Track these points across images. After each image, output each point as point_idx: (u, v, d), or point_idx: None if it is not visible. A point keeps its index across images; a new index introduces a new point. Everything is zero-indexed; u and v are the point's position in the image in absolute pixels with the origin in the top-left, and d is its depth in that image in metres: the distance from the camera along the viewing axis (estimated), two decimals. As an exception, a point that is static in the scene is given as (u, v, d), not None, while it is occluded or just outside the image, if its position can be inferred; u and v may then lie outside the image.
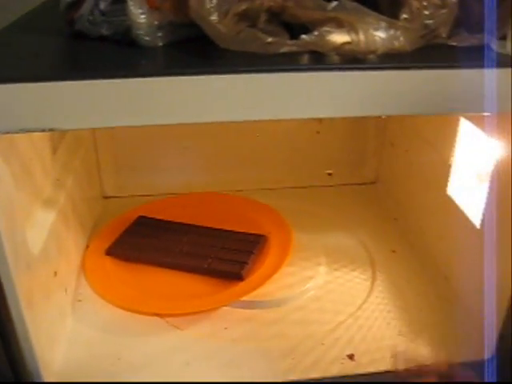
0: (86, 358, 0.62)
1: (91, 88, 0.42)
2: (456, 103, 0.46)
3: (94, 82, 0.41)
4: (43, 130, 0.43)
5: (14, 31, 0.56)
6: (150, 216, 0.84)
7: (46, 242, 0.60)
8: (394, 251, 0.81)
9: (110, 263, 0.76)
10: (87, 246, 0.80)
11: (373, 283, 0.75)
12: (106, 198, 0.93)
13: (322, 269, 0.77)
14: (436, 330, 0.67)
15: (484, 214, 0.63)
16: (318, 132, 0.95)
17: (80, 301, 0.71)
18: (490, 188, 0.61)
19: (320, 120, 0.94)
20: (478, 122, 0.64)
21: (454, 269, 0.72)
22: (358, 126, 0.96)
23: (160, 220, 0.83)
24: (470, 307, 0.67)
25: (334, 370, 0.61)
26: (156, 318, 0.68)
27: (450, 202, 0.71)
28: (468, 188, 0.67)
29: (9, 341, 0.52)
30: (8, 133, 0.42)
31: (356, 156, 0.98)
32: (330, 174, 0.99)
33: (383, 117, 0.92)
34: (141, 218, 0.84)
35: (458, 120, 0.68)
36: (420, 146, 0.81)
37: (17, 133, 0.42)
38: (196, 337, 0.66)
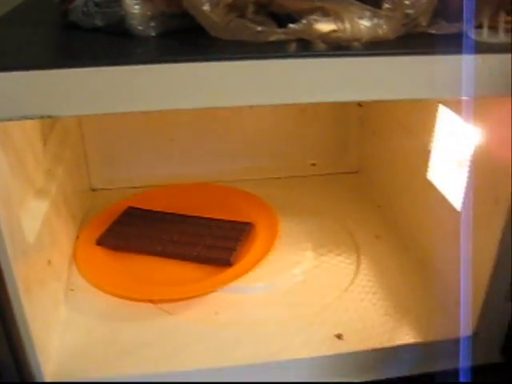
0: (81, 344, 0.64)
1: (88, 75, 0.43)
2: (436, 88, 0.48)
3: (91, 69, 0.43)
4: (42, 117, 0.44)
5: (8, 23, 0.57)
6: (139, 206, 0.86)
7: (40, 231, 0.62)
8: (377, 237, 0.83)
9: (100, 253, 0.78)
10: (77, 237, 0.81)
11: (358, 267, 0.77)
12: (94, 190, 0.95)
13: (309, 254, 0.79)
14: (420, 310, 0.69)
15: (464, 197, 0.65)
16: (301, 123, 0.97)
17: (72, 290, 0.73)
18: (469, 172, 0.64)
19: (303, 111, 0.96)
20: (456, 108, 0.66)
21: (436, 251, 0.74)
22: (340, 116, 0.98)
23: (149, 210, 0.85)
24: (452, 287, 0.69)
25: (324, 350, 0.63)
26: (148, 304, 0.70)
27: (430, 187, 0.74)
28: (448, 172, 0.70)
29: (9, 326, 0.54)
30: (9, 120, 0.43)
31: (339, 146, 1.01)
32: (313, 165, 1.01)
33: (362, 105, 0.95)
34: (130, 208, 0.85)
35: (436, 107, 0.71)
36: (400, 133, 0.84)
37: (17, 120, 0.44)
38: (187, 321, 0.67)
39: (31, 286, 0.56)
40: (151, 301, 0.70)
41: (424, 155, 0.75)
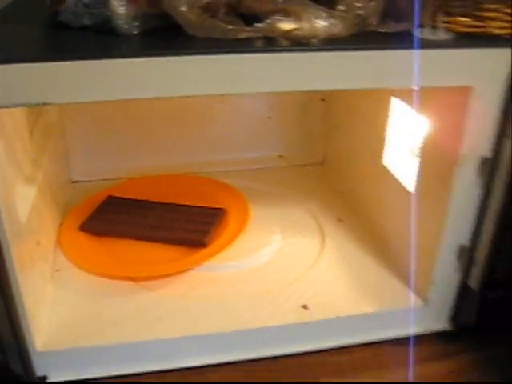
0: (68, 317, 0.70)
1: (80, 67, 0.50)
2: (383, 78, 0.56)
3: (83, 62, 0.49)
4: (38, 105, 0.50)
5: (1, 20, 0.63)
6: (118, 195, 0.92)
7: (30, 214, 0.67)
8: (340, 220, 0.90)
9: (83, 237, 0.83)
10: (61, 224, 0.86)
11: (322, 247, 0.84)
12: (75, 182, 1.00)
13: (276, 236, 0.86)
14: (379, 283, 0.77)
15: (415, 180, 0.73)
16: (269, 117, 1.04)
17: (58, 270, 0.78)
18: (419, 157, 0.71)
19: (271, 107, 1.03)
20: (407, 99, 0.74)
21: (392, 229, 0.82)
22: (305, 111, 1.05)
23: (128, 199, 0.91)
24: (406, 261, 0.77)
25: (290, 319, 0.70)
26: (129, 282, 0.76)
27: (386, 172, 0.82)
28: (401, 158, 0.78)
29: (7, 299, 0.59)
30: (9, 107, 0.49)
31: (305, 139, 1.08)
32: (281, 156, 1.08)
33: (325, 100, 1.02)
34: (110, 197, 0.91)
35: (389, 99, 0.78)
36: (359, 125, 0.91)
37: (14, 107, 0.50)
38: (166, 296, 0.74)
39: (24, 264, 0.62)
40: (132, 279, 0.76)
41: (380, 144, 0.83)
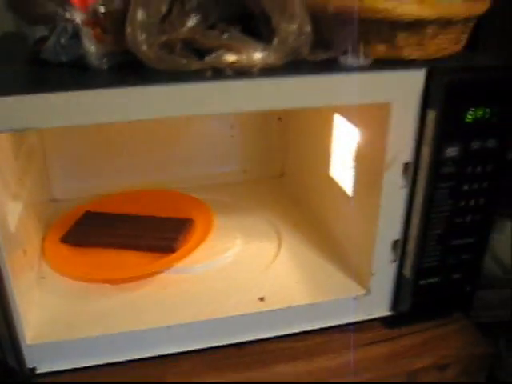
0: (53, 316, 0.78)
1: (58, 97, 0.60)
2: (313, 99, 0.67)
3: (61, 93, 0.60)
4: (24, 129, 0.61)
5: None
6: (96, 210, 1.01)
7: (17, 227, 0.77)
8: (295, 225, 1.01)
9: (64, 248, 0.92)
10: (43, 238, 0.96)
11: (279, 249, 0.94)
12: (55, 200, 1.10)
13: (238, 241, 0.96)
14: (327, 276, 0.87)
15: (353, 186, 0.84)
16: (231, 136, 1.15)
17: (43, 278, 0.87)
18: (355, 165, 0.83)
19: (232, 126, 1.14)
20: (345, 114, 0.85)
21: (338, 229, 0.93)
22: (264, 129, 1.16)
23: (104, 213, 1.01)
24: (350, 256, 0.88)
25: (249, 310, 0.80)
26: (106, 284, 0.85)
27: (332, 181, 0.93)
28: (343, 168, 0.89)
29: (3, 301, 0.69)
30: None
31: (265, 155, 1.19)
32: (244, 171, 1.19)
33: (281, 119, 1.13)
34: (87, 212, 1.01)
35: (332, 115, 0.90)
36: (310, 140, 1.03)
37: (2, 132, 0.60)
38: (140, 295, 0.83)
39: (15, 269, 0.71)
40: (108, 282, 0.85)
41: (326, 156, 0.94)
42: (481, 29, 0.80)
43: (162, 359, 0.78)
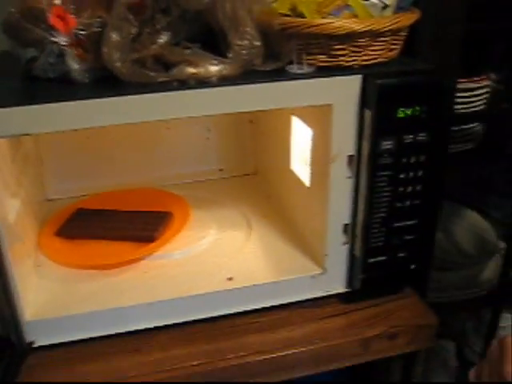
0: (49, 297, 0.90)
1: (48, 108, 0.72)
2: (264, 103, 0.79)
3: (50, 104, 0.72)
4: (21, 135, 0.73)
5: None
6: (86, 207, 1.13)
7: (16, 220, 0.88)
8: (265, 216, 1.13)
9: (58, 240, 1.04)
10: (39, 232, 1.07)
11: (248, 237, 1.06)
12: (50, 200, 1.21)
13: (212, 231, 1.08)
14: (289, 258, 0.99)
15: (309, 177, 0.96)
16: (207, 138, 1.27)
17: (39, 266, 0.99)
18: (311, 159, 0.95)
19: (208, 129, 1.26)
20: (300, 116, 0.97)
21: (299, 216, 1.05)
22: (237, 131, 1.28)
23: (93, 209, 1.12)
24: (309, 239, 1.00)
25: (219, 287, 0.92)
26: (95, 270, 0.97)
27: (293, 175, 1.05)
28: (301, 162, 1.01)
29: (6, 283, 0.80)
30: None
31: (239, 154, 1.30)
32: (221, 170, 1.31)
33: (253, 122, 1.25)
34: (78, 209, 1.13)
35: (290, 118, 1.02)
36: (275, 140, 1.15)
37: (3, 138, 0.72)
38: (125, 278, 0.95)
39: (15, 256, 0.82)
40: (96, 267, 0.97)
41: (288, 153, 1.06)
42: (416, 36, 0.93)
43: (143, 332, 0.90)
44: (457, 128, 1.20)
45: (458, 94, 1.13)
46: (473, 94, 1.22)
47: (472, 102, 1.22)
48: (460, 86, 1.13)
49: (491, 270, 1.42)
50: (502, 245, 1.41)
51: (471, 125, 1.26)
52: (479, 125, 1.28)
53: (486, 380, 0.70)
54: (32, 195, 1.06)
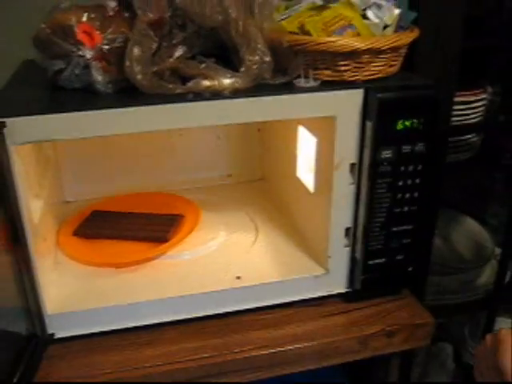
0: (69, 293, 0.96)
1: (73, 116, 0.78)
2: (275, 114, 0.86)
3: (76, 113, 0.78)
4: (46, 141, 0.79)
5: (13, 87, 0.92)
6: (102, 209, 1.20)
7: (39, 219, 0.95)
8: (271, 220, 1.19)
9: (76, 239, 1.10)
10: (58, 231, 1.14)
11: (256, 239, 1.12)
12: (67, 202, 1.28)
13: (221, 233, 1.14)
14: (296, 260, 1.05)
15: (313, 184, 1.02)
16: (217, 145, 1.33)
17: (59, 263, 1.05)
18: (315, 166, 1.01)
19: (218, 137, 1.32)
20: (307, 126, 1.03)
21: (303, 220, 1.11)
22: (246, 139, 1.34)
23: (108, 211, 1.19)
24: (312, 242, 1.06)
25: (228, 286, 0.97)
26: (111, 268, 1.03)
27: (298, 181, 1.10)
28: (306, 169, 1.07)
29: (32, 280, 0.86)
30: (28, 143, 0.78)
31: (247, 161, 1.36)
32: (230, 175, 1.37)
33: (260, 130, 1.32)
34: (94, 211, 1.19)
35: (297, 127, 1.08)
36: (282, 148, 1.21)
37: (30, 143, 0.79)
38: (139, 276, 1.01)
39: (38, 253, 0.88)
40: (113, 266, 1.03)
41: (294, 161, 1.12)
42: (415, 53, 0.99)
43: (155, 327, 0.95)
44: (454, 139, 1.26)
45: (456, 107, 1.20)
46: (470, 106, 1.27)
47: (469, 114, 1.28)
48: (458, 98, 1.19)
49: (487, 275, 1.48)
50: (498, 251, 1.46)
51: (468, 136, 1.31)
52: (476, 136, 1.34)
53: (485, 375, 0.75)
54: (52, 197, 1.12)
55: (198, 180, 1.34)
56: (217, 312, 0.97)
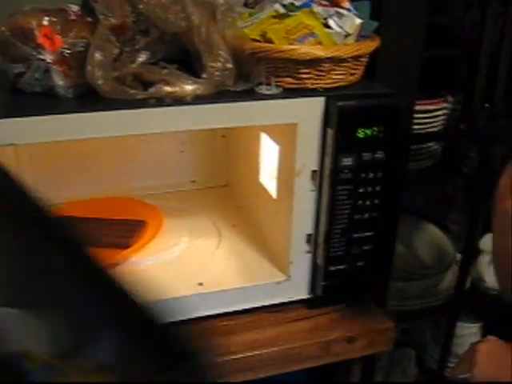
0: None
1: (33, 121, 0.78)
2: (234, 121, 0.86)
3: (35, 117, 0.78)
4: (7, 145, 0.78)
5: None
6: (62, 215, 1.18)
7: None
8: (234, 226, 1.19)
9: (37, 245, 1.09)
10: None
11: (218, 245, 1.12)
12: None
13: (184, 239, 1.14)
14: (256, 266, 1.05)
15: (276, 190, 1.03)
16: (181, 151, 1.33)
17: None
18: (277, 173, 1.01)
19: (183, 143, 1.32)
20: (269, 133, 1.04)
21: (265, 225, 1.12)
22: (210, 145, 1.34)
23: (70, 216, 1.17)
24: (274, 248, 1.06)
25: (191, 292, 0.98)
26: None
27: (261, 187, 1.11)
28: (269, 175, 1.08)
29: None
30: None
31: (211, 167, 1.36)
32: (193, 181, 1.37)
33: (225, 136, 1.32)
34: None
35: (260, 134, 1.08)
36: (246, 154, 1.21)
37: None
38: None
39: None
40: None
41: (257, 167, 1.13)
42: (376, 62, 1.00)
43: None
44: (416, 147, 1.28)
45: (418, 115, 1.22)
46: (432, 114, 1.30)
47: (431, 122, 1.30)
48: (420, 107, 1.21)
49: (449, 280, 1.51)
50: (459, 257, 1.49)
51: (430, 144, 1.34)
52: (438, 144, 1.36)
53: None
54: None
55: (161, 186, 1.33)
56: (178, 319, 0.96)
